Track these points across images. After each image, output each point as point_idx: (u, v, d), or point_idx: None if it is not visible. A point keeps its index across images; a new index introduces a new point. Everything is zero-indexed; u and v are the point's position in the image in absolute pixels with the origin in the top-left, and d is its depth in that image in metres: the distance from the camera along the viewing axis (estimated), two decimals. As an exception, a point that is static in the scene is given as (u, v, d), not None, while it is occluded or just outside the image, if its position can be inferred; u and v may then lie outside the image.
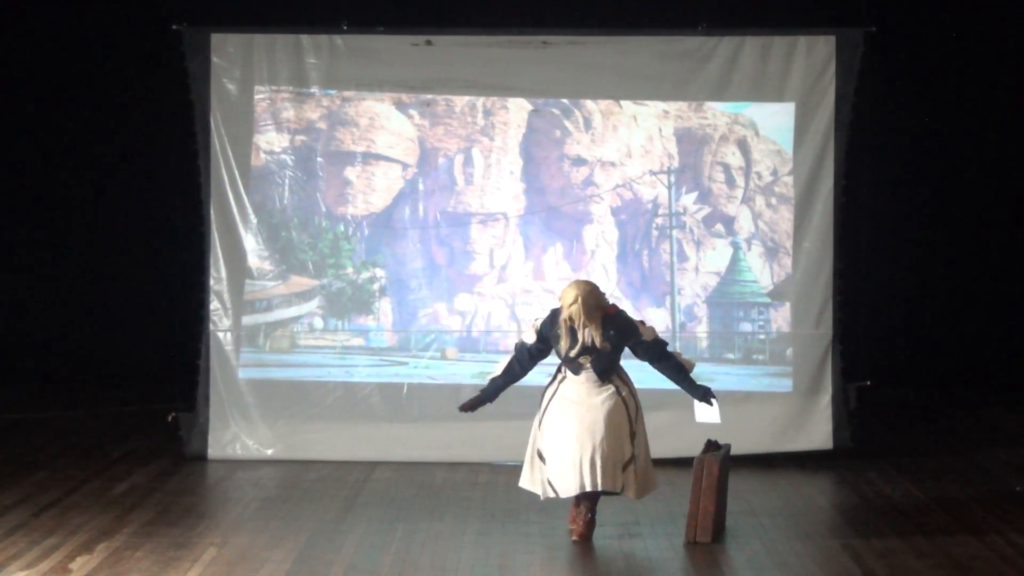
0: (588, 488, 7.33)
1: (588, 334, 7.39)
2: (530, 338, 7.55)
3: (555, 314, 7.49)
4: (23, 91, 12.38)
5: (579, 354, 7.40)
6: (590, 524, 7.48)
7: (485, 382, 7.71)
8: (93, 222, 12.58)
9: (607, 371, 7.45)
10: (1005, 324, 12.49)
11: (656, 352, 7.50)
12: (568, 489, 7.37)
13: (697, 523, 7.43)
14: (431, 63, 9.64)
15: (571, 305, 7.35)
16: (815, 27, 9.64)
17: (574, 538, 7.45)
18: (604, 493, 7.44)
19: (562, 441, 7.37)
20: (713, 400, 7.53)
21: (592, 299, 7.37)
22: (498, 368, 7.65)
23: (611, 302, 7.56)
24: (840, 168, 9.54)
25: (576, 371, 7.45)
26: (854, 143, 9.63)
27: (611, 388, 7.43)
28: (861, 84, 9.49)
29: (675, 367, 7.52)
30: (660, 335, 7.59)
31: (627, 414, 7.42)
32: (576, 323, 7.36)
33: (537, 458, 7.51)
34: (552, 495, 7.46)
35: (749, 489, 8.64)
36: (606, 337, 7.38)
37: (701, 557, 7.22)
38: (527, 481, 7.59)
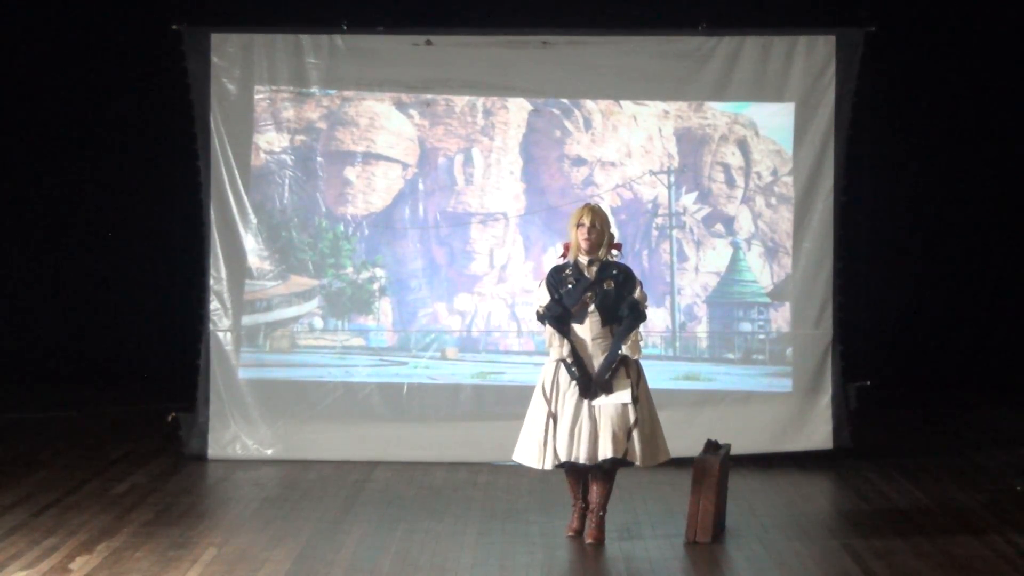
0: (600, 458, 7.27)
1: (594, 270, 7.42)
2: (546, 296, 7.47)
3: (556, 268, 7.52)
4: (23, 91, 12.38)
5: (585, 290, 7.38)
6: (601, 524, 7.45)
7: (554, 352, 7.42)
8: (93, 222, 12.59)
9: (611, 315, 7.39)
10: (1005, 324, 12.49)
11: (631, 313, 7.41)
12: (578, 456, 7.29)
13: (697, 523, 7.43)
14: (431, 63, 9.64)
15: (584, 207, 7.47)
16: (815, 27, 9.64)
17: (589, 541, 7.40)
18: (616, 463, 7.33)
19: (569, 409, 7.33)
20: (602, 393, 7.36)
21: (604, 211, 7.53)
22: (556, 342, 7.40)
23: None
24: (840, 168, 9.54)
25: (581, 318, 7.41)
26: (854, 143, 9.63)
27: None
28: (861, 84, 9.49)
29: (621, 341, 7.39)
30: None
31: (628, 376, 7.38)
32: (586, 224, 7.38)
33: (549, 426, 7.38)
34: (557, 464, 7.36)
35: (749, 489, 8.64)
36: (611, 275, 7.41)
37: (701, 557, 7.22)
38: (527, 454, 7.45)
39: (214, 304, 9.59)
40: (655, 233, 9.72)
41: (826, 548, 7.40)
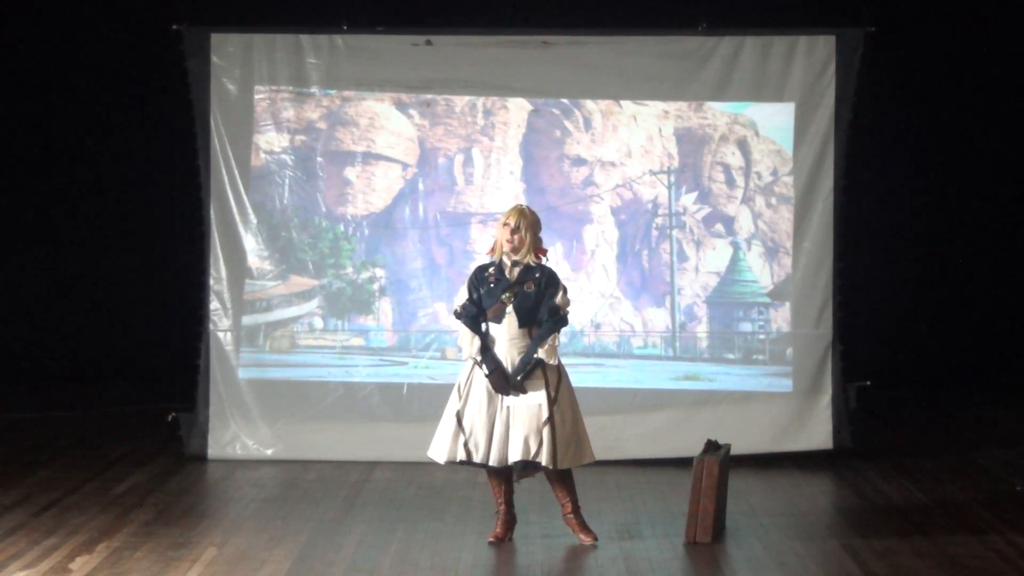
0: (494, 462, 7.27)
1: (516, 271, 7.36)
2: (463, 296, 7.45)
3: (480, 267, 7.48)
4: (23, 91, 12.38)
5: (504, 290, 7.34)
6: (584, 523, 7.43)
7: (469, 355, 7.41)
8: (93, 222, 12.59)
9: (528, 317, 7.34)
10: (1004, 324, 12.49)
11: (551, 318, 7.34)
12: (487, 459, 7.30)
13: (697, 523, 7.43)
14: (431, 63, 9.64)
15: (514, 208, 7.40)
16: (815, 27, 9.64)
17: (490, 539, 7.40)
18: (528, 466, 7.30)
19: (479, 410, 7.31)
20: (515, 392, 7.33)
21: (533, 216, 7.41)
22: (466, 340, 7.38)
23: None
24: (840, 168, 9.55)
25: (499, 318, 7.37)
26: (854, 143, 9.63)
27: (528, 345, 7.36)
28: (861, 84, 9.49)
29: (538, 344, 7.32)
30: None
31: (544, 377, 7.32)
32: (511, 225, 7.32)
33: (456, 422, 7.37)
34: (464, 459, 7.34)
35: (749, 489, 8.64)
36: (532, 277, 7.35)
37: (701, 557, 7.22)
38: (434, 449, 7.44)
39: (214, 304, 9.60)
40: (655, 233, 9.73)
41: (826, 548, 7.40)
